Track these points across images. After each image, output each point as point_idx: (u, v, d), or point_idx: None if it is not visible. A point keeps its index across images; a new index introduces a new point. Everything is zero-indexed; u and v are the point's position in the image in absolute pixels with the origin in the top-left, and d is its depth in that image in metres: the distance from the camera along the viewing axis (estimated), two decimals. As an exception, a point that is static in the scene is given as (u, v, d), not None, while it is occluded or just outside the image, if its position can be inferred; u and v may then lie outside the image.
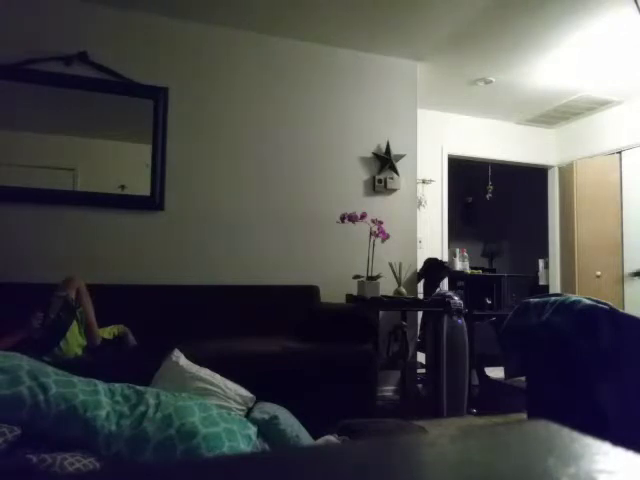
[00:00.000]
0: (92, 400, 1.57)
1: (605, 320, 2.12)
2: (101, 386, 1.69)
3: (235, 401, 2.15)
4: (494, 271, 6.65)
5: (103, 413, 1.54)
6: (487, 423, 3.29)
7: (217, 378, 2.22)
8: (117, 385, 1.76)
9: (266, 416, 2.06)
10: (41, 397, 1.50)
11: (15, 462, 1.33)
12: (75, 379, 1.68)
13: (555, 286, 5.42)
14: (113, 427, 1.52)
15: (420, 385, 3.96)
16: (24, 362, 1.66)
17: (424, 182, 4.96)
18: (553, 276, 5.52)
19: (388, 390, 3.79)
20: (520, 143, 5.46)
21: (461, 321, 3.60)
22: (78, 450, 1.45)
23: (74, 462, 1.40)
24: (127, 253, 3.25)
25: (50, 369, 1.69)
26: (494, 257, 7.08)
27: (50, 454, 1.39)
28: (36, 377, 1.57)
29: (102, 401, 1.58)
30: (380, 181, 3.85)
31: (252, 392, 2.30)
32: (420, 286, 4.27)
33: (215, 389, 2.15)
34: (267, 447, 1.88)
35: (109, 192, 3.25)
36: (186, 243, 3.38)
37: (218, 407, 2.03)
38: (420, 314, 4.10)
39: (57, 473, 1.34)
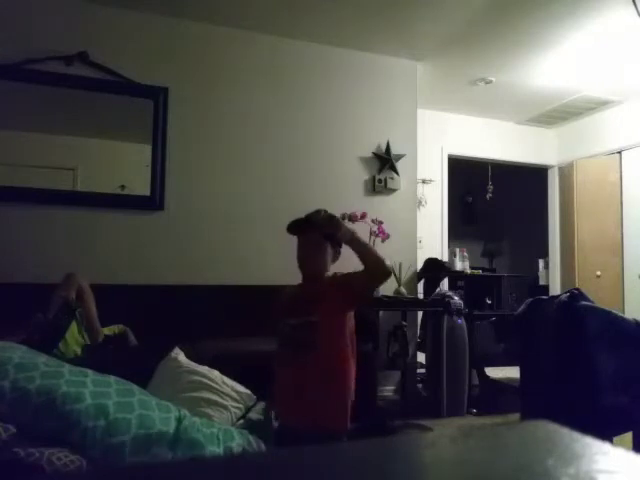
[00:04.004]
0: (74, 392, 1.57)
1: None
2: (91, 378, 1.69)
3: (231, 397, 2.15)
4: (494, 271, 6.64)
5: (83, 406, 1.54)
6: (487, 423, 3.29)
7: (215, 374, 2.22)
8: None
9: (262, 417, 2.06)
10: (22, 391, 1.51)
11: (2, 456, 1.34)
12: (65, 369, 1.68)
13: (555, 286, 5.42)
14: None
15: (420, 385, 3.96)
16: (17, 354, 1.66)
17: (424, 182, 4.96)
18: (553, 276, 5.52)
19: (388, 390, 3.79)
20: (520, 143, 5.46)
21: (461, 321, 3.60)
22: (66, 446, 1.46)
23: (61, 457, 1.41)
24: (127, 253, 3.25)
25: (42, 360, 1.69)
26: (494, 257, 7.08)
27: (37, 449, 1.39)
28: (23, 370, 1.57)
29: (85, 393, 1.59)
30: (380, 181, 3.85)
31: (252, 392, 2.30)
32: (420, 286, 4.27)
33: (210, 383, 2.15)
34: (262, 446, 1.88)
35: (109, 192, 3.25)
36: (186, 243, 3.38)
37: (207, 402, 2.03)
38: (420, 314, 4.10)
39: (43, 467, 1.35)
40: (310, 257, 1.92)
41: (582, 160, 5.23)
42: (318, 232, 1.85)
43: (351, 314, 1.92)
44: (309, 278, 1.96)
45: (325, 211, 1.89)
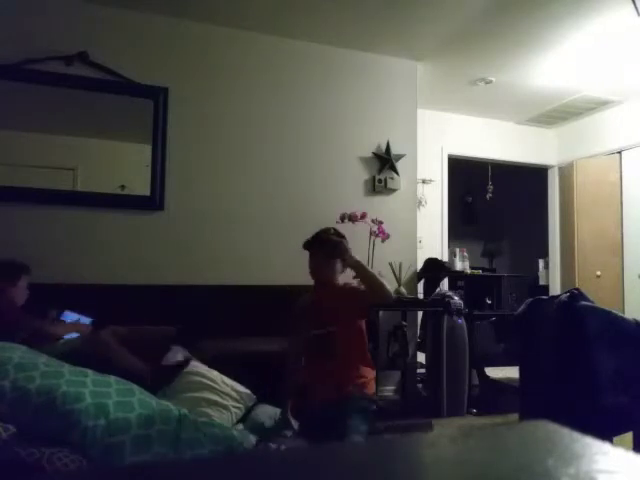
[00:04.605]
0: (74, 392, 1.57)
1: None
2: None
3: (231, 397, 2.15)
4: (494, 271, 6.64)
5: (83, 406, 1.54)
6: (487, 423, 3.29)
7: (214, 374, 2.23)
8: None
9: (267, 421, 2.07)
10: (22, 390, 1.51)
11: (2, 456, 1.34)
12: (65, 369, 1.67)
13: (555, 286, 5.42)
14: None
15: (420, 385, 3.96)
16: (17, 354, 1.66)
17: (424, 182, 4.96)
18: (553, 276, 5.52)
19: (388, 390, 3.79)
20: (520, 143, 5.46)
21: (461, 321, 3.60)
22: (66, 446, 1.46)
23: (62, 457, 1.41)
24: (127, 253, 3.25)
25: (42, 360, 1.69)
26: (494, 257, 7.08)
27: (38, 448, 1.39)
28: (23, 370, 1.57)
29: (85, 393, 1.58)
30: (380, 181, 3.85)
31: (252, 392, 2.30)
32: (420, 286, 4.27)
33: (210, 383, 2.16)
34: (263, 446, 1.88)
35: (109, 192, 3.25)
36: (186, 243, 3.38)
37: (207, 402, 2.03)
38: (420, 314, 4.10)
39: (44, 467, 1.35)
40: (319, 269, 2.18)
41: (582, 160, 5.23)
42: (326, 249, 2.12)
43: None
44: (320, 286, 2.21)
45: (334, 230, 2.20)
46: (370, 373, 2.11)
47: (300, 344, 2.19)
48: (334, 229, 2.22)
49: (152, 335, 2.65)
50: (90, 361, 1.89)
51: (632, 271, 4.80)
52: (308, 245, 2.21)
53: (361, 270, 2.05)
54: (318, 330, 2.08)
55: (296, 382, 2.16)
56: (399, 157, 3.90)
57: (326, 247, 2.12)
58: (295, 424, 2.04)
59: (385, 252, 3.49)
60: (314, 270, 2.19)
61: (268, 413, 2.16)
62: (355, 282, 2.29)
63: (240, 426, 2.03)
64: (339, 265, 2.14)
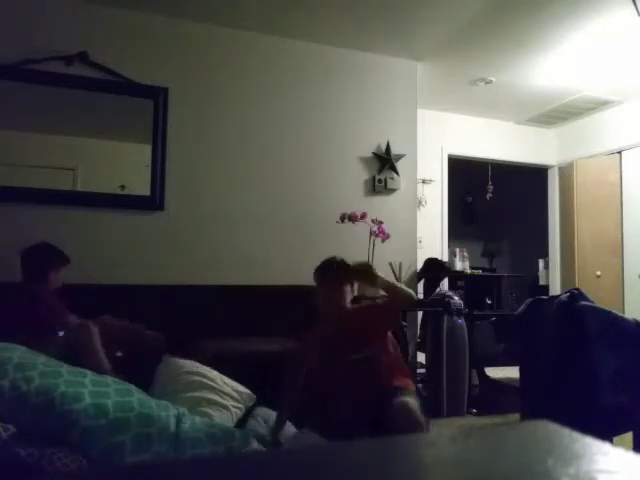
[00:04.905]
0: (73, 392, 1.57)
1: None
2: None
3: (231, 397, 2.16)
4: (494, 271, 6.64)
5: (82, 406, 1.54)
6: (487, 423, 3.29)
7: (214, 374, 2.23)
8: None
9: (261, 426, 2.07)
10: (21, 390, 1.51)
11: (2, 456, 1.34)
12: (64, 369, 1.68)
13: (555, 286, 5.41)
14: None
15: (420, 385, 3.96)
16: (16, 354, 1.66)
17: (424, 182, 4.96)
18: (553, 276, 5.52)
19: (388, 390, 3.78)
20: (520, 143, 5.46)
21: (461, 321, 3.60)
22: (66, 446, 1.46)
23: (62, 457, 1.41)
24: (127, 253, 3.24)
25: (41, 360, 1.69)
26: (494, 257, 7.08)
27: (38, 448, 1.39)
28: (22, 370, 1.57)
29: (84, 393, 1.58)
30: (380, 181, 3.85)
31: (252, 392, 2.30)
32: (420, 286, 4.27)
33: (210, 382, 2.16)
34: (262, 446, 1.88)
35: (109, 192, 3.25)
36: (186, 243, 3.38)
37: (207, 401, 2.03)
38: (420, 314, 4.09)
39: (44, 467, 1.35)
40: (338, 296, 2.17)
41: (582, 160, 5.23)
42: (338, 277, 2.14)
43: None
44: (338, 313, 2.19)
45: (343, 260, 2.17)
46: (410, 379, 2.14)
47: (308, 374, 2.13)
48: (342, 259, 2.18)
49: (140, 335, 2.64)
50: (71, 352, 1.92)
51: (632, 271, 4.80)
52: (322, 273, 2.18)
53: (388, 286, 2.11)
54: (355, 355, 2.04)
55: (293, 405, 2.11)
56: (399, 157, 3.90)
57: (350, 273, 2.13)
58: (291, 434, 2.02)
59: (385, 252, 3.49)
60: (331, 298, 2.16)
61: (268, 416, 2.15)
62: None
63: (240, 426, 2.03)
64: (349, 288, 2.18)
